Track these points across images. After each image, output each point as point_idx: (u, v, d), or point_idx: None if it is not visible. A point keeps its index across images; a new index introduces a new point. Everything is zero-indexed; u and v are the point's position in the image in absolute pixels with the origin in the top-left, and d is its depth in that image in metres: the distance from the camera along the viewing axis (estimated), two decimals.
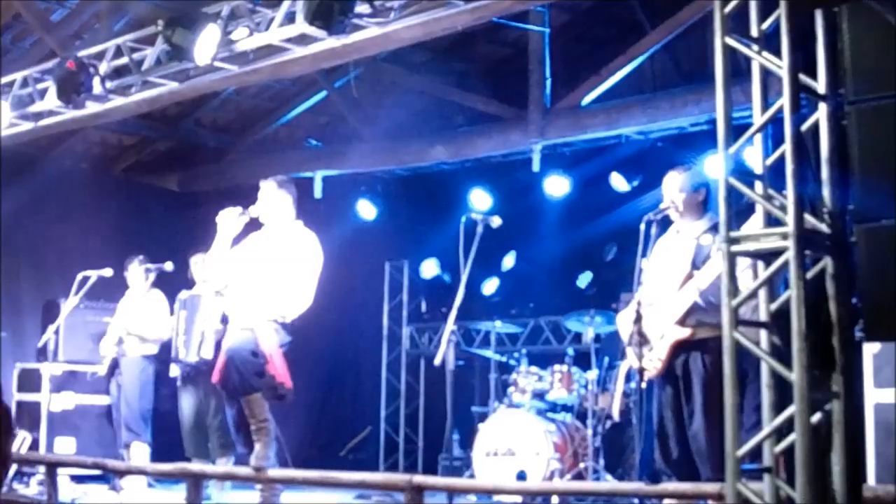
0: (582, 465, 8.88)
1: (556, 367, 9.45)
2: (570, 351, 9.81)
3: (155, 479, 9.39)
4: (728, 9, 4.31)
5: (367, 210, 12.92)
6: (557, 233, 11.78)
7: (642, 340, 5.94)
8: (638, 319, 5.94)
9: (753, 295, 4.25)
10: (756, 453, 4.16)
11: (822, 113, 4.31)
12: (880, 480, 5.42)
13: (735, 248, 4.22)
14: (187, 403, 8.89)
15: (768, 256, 4.17)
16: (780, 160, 4.17)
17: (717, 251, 5.64)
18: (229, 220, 7.24)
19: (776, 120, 4.22)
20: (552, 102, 10.27)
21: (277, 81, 11.29)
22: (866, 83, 4.23)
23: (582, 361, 9.59)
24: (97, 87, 8.75)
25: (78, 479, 9.39)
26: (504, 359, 10.18)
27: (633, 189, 10.74)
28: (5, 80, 9.53)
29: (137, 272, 9.62)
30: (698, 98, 9.34)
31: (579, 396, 9.29)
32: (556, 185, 11.22)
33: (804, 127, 4.27)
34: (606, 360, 9.27)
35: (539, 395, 9.39)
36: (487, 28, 10.10)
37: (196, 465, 8.06)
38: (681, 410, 5.90)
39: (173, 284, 9.46)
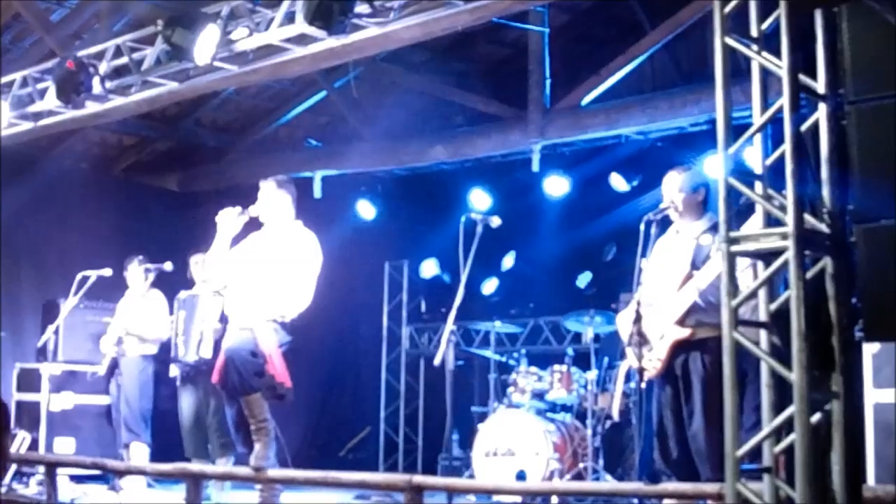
0: (581, 466, 8.88)
1: (556, 367, 9.45)
2: (570, 351, 9.81)
3: (154, 479, 9.39)
4: (728, 9, 4.31)
5: (366, 210, 12.92)
6: (557, 233, 11.78)
7: (642, 340, 5.94)
8: (637, 319, 5.94)
9: (753, 295, 4.25)
10: (756, 453, 4.16)
11: (821, 113, 4.31)
12: (880, 480, 5.42)
13: (735, 248, 4.22)
14: (187, 403, 8.89)
15: (768, 256, 4.17)
16: (780, 160, 4.17)
17: (716, 251, 5.64)
18: (229, 219, 7.24)
19: (776, 120, 4.22)
20: (552, 102, 10.26)
21: (277, 81, 11.29)
22: (866, 83, 4.23)
23: (581, 361, 9.59)
24: (97, 87, 8.75)
25: (77, 479, 9.39)
26: (504, 359, 10.18)
27: (632, 189, 10.75)
28: (5, 79, 9.53)
29: (137, 272, 9.62)
30: (698, 98, 9.34)
31: (579, 396, 9.30)
32: (556, 185, 11.22)
33: (804, 127, 4.27)
34: (606, 360, 9.27)
35: (538, 395, 9.40)
36: (487, 28, 10.10)
37: (195, 465, 8.06)
38: (680, 410, 5.89)
39: (173, 284, 9.46)
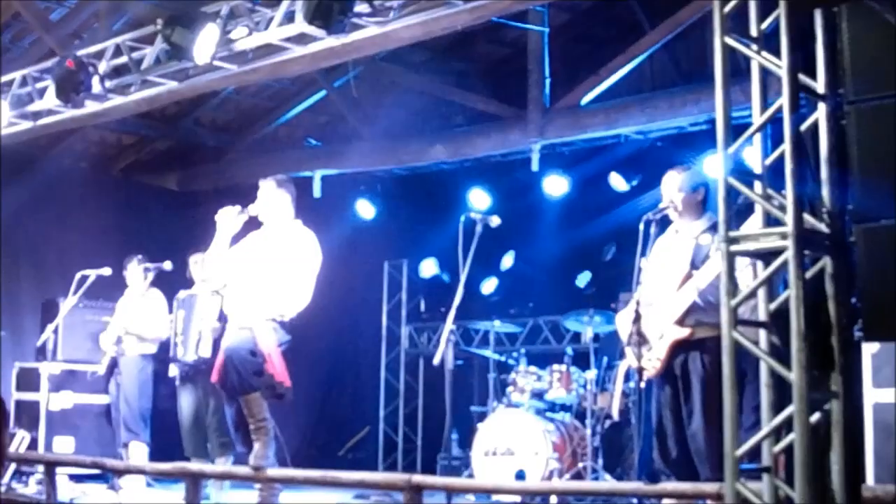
0: (581, 465, 8.88)
1: (555, 366, 9.46)
2: (569, 350, 9.82)
3: (154, 479, 9.40)
4: (727, 8, 4.31)
5: (366, 209, 12.92)
6: (556, 232, 11.78)
7: (641, 340, 5.94)
8: (637, 319, 5.94)
9: (752, 295, 4.25)
10: (755, 453, 4.16)
11: (821, 113, 4.30)
12: (879, 480, 5.42)
13: (734, 247, 4.22)
14: (186, 403, 8.88)
15: (767, 256, 4.17)
16: (780, 160, 4.17)
17: (716, 251, 5.63)
18: (228, 219, 7.24)
19: (775, 120, 4.22)
20: (551, 102, 10.27)
21: (277, 81, 11.29)
22: (866, 83, 4.22)
23: (581, 361, 9.59)
24: (96, 87, 8.75)
25: (77, 479, 9.40)
26: (503, 358, 10.18)
27: (632, 189, 10.75)
28: (4, 79, 9.53)
29: (136, 271, 9.61)
30: (697, 98, 9.34)
31: (578, 396, 9.30)
32: (556, 185, 11.22)
33: (803, 127, 4.27)
34: (605, 359, 9.27)
35: (538, 395, 9.40)
36: (487, 28, 10.10)
37: (195, 465, 8.06)
38: (680, 410, 5.89)
39: (172, 284, 9.45)
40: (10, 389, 10.49)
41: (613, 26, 11.16)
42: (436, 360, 7.12)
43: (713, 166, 7.86)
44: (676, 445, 5.88)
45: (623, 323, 6.27)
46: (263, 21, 7.66)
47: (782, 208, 4.10)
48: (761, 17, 4.32)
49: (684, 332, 5.90)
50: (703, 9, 8.62)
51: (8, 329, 10.89)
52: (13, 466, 9.10)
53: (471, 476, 9.06)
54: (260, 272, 7.07)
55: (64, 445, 10.08)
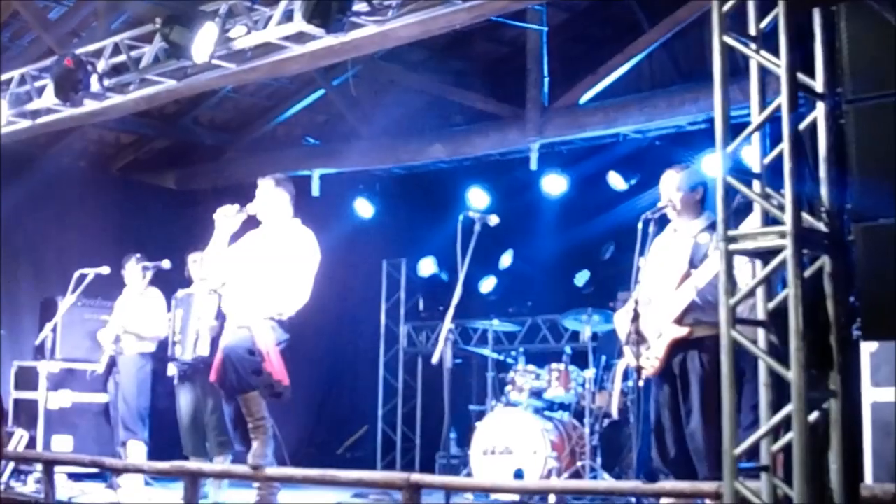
0: (579, 464, 8.89)
1: (554, 365, 9.46)
2: (568, 349, 9.82)
3: (152, 478, 9.39)
4: (726, 7, 4.31)
5: (364, 208, 12.93)
6: (555, 231, 11.78)
7: (640, 339, 5.93)
8: (635, 318, 5.93)
9: (751, 294, 4.25)
10: (753, 452, 4.16)
11: (819, 112, 4.31)
12: (877, 479, 5.43)
13: (733, 246, 4.22)
14: (185, 401, 8.88)
15: (766, 255, 4.17)
16: (778, 159, 4.17)
17: (714, 250, 5.63)
18: (227, 218, 7.24)
19: (774, 119, 4.22)
20: (550, 101, 10.26)
21: (275, 79, 11.29)
22: (864, 82, 4.22)
23: (579, 360, 9.60)
24: (95, 85, 8.75)
25: (75, 477, 9.40)
26: (501, 357, 10.19)
27: (630, 188, 10.76)
28: (3, 77, 9.53)
29: (135, 270, 9.61)
30: (696, 97, 9.34)
31: (577, 395, 9.31)
32: (554, 184, 11.23)
33: (802, 126, 4.27)
34: (604, 358, 9.27)
35: (536, 394, 9.41)
36: (485, 27, 10.10)
37: (193, 464, 8.05)
38: (678, 409, 5.89)
39: (171, 282, 9.46)
40: (8, 388, 10.49)
41: (612, 25, 11.16)
42: (434, 359, 7.13)
43: (712, 165, 7.86)
44: (675, 444, 5.87)
45: (621, 322, 6.26)
46: (262, 20, 7.66)
47: (781, 207, 4.10)
48: (760, 16, 4.32)
49: (683, 331, 5.90)
50: (702, 8, 8.62)
51: (6, 328, 10.90)
52: (12, 465, 9.10)
53: (469, 475, 9.07)
54: (258, 271, 7.07)
55: (62, 444, 10.09)
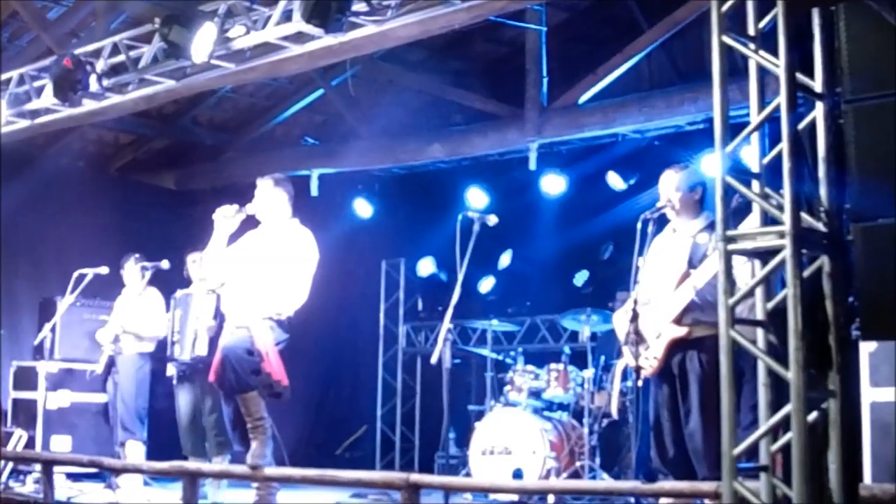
0: (578, 464, 8.89)
1: (553, 365, 9.46)
2: (567, 349, 9.82)
3: (151, 478, 9.39)
4: (725, 7, 4.31)
5: (363, 208, 12.93)
6: (554, 231, 11.78)
7: (639, 339, 5.93)
8: (634, 318, 5.93)
9: (750, 293, 4.25)
10: (752, 452, 4.16)
11: (818, 112, 4.31)
12: (876, 479, 5.42)
13: (732, 246, 4.22)
14: (184, 401, 8.88)
15: (765, 255, 4.17)
16: (777, 159, 4.17)
17: (713, 250, 5.63)
18: (226, 218, 7.24)
19: (773, 119, 4.22)
20: (549, 101, 10.26)
21: (274, 79, 11.28)
22: (863, 82, 4.22)
23: (578, 360, 9.60)
24: (94, 85, 8.74)
25: (74, 477, 9.40)
26: (500, 357, 10.19)
27: (629, 188, 10.76)
28: (2, 77, 9.52)
29: (134, 270, 9.61)
30: (695, 97, 9.34)
31: (575, 395, 9.31)
32: (553, 184, 11.22)
33: (801, 126, 4.27)
34: (603, 358, 9.27)
35: (535, 394, 9.40)
36: (484, 27, 10.10)
37: (192, 464, 8.05)
38: (677, 409, 5.89)
39: (170, 283, 9.45)
40: (7, 388, 10.50)
41: (611, 25, 11.15)
42: (433, 359, 7.12)
43: (711, 165, 7.87)
44: (674, 444, 5.88)
45: (620, 322, 6.26)
46: (261, 20, 7.65)
47: (780, 207, 4.10)
48: (759, 16, 4.32)
49: (682, 331, 5.90)
50: (701, 8, 8.63)
51: (5, 328, 10.89)
52: (10, 465, 9.10)
53: (468, 475, 9.07)
54: (257, 271, 7.07)
55: (61, 444, 10.08)
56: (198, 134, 12.81)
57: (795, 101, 4.17)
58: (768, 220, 4.20)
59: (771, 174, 4.23)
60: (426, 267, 12.92)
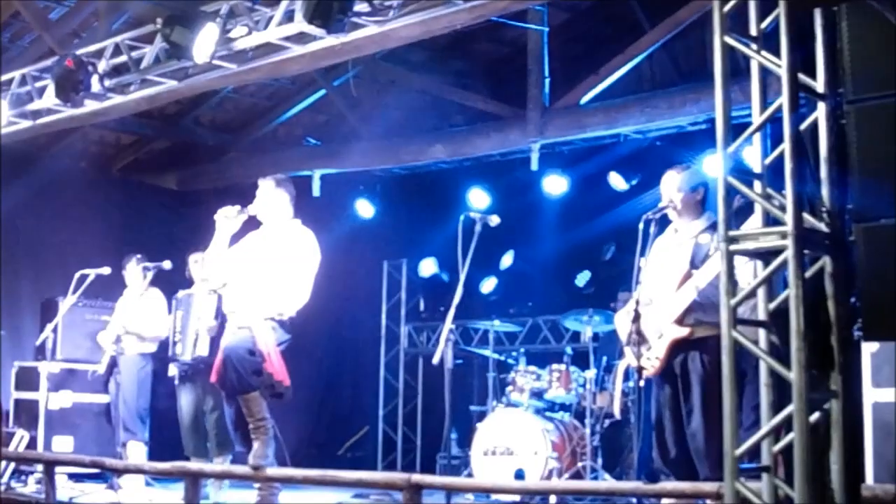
0: (580, 465, 8.88)
1: (555, 366, 9.46)
2: (569, 350, 9.83)
3: (153, 478, 9.39)
4: (727, 8, 4.31)
5: (365, 209, 12.93)
6: (556, 232, 11.78)
7: (641, 339, 5.94)
8: (636, 318, 5.93)
9: (752, 294, 4.24)
10: (754, 452, 4.16)
11: (821, 112, 4.30)
12: (878, 480, 5.42)
13: (734, 247, 4.22)
14: (185, 402, 8.89)
15: (767, 256, 4.17)
16: (779, 159, 4.17)
17: (715, 250, 5.63)
18: (227, 218, 7.24)
19: (775, 119, 4.22)
20: (551, 101, 10.26)
21: (276, 80, 11.28)
22: (865, 82, 4.22)
23: (580, 360, 9.60)
24: (96, 86, 8.74)
25: (76, 478, 9.40)
26: (502, 358, 10.19)
27: (631, 188, 10.75)
28: (4, 78, 9.52)
29: (135, 271, 9.61)
30: (697, 97, 9.33)
31: (577, 395, 9.31)
32: (555, 184, 11.23)
33: (803, 126, 4.27)
34: (605, 359, 9.27)
35: (537, 394, 9.40)
36: (486, 27, 10.09)
37: (194, 464, 8.06)
38: (679, 409, 5.89)
39: (172, 283, 9.46)
40: (9, 388, 10.50)
41: (613, 26, 11.15)
42: (435, 360, 7.12)
43: (713, 166, 7.87)
44: (676, 445, 5.88)
45: (622, 322, 6.27)
46: (263, 20, 7.65)
47: (782, 208, 4.10)
48: (761, 16, 4.31)
49: (684, 332, 5.90)
50: (703, 8, 8.61)
51: (7, 328, 10.89)
52: (12, 465, 9.10)
53: (470, 475, 9.06)
54: (259, 271, 7.07)
55: (63, 445, 10.09)
56: (199, 134, 12.80)
57: (797, 101, 4.17)
58: (770, 220, 4.20)
59: (773, 175, 4.23)
60: (428, 267, 12.93)
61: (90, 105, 9.18)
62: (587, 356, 9.44)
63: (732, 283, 4.20)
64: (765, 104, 4.29)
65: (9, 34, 10.50)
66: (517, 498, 8.45)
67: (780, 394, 4.10)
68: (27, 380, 10.36)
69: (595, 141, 10.71)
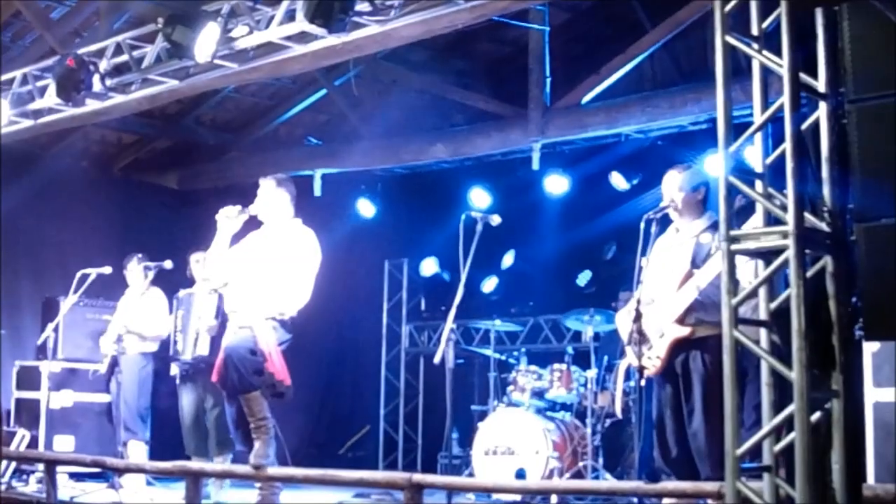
0: (581, 464, 8.89)
1: (556, 365, 9.46)
2: (570, 349, 9.83)
3: (154, 477, 9.39)
4: (728, 7, 4.31)
5: (366, 208, 12.93)
6: (557, 231, 11.78)
7: (642, 339, 5.94)
8: (637, 318, 5.93)
9: (753, 293, 4.24)
10: (756, 452, 4.16)
11: (822, 112, 4.30)
12: (879, 479, 5.43)
13: (735, 246, 4.22)
14: (187, 401, 8.89)
15: (768, 255, 4.17)
16: (781, 159, 4.17)
17: (716, 250, 5.63)
18: (228, 218, 7.24)
19: (776, 119, 4.22)
20: (552, 101, 10.26)
21: (277, 79, 11.27)
22: (867, 82, 4.22)
23: (581, 360, 9.60)
24: (97, 85, 8.74)
25: (77, 477, 9.40)
26: (503, 357, 10.19)
27: (632, 188, 10.75)
28: (5, 77, 9.52)
29: (137, 270, 9.61)
30: (698, 97, 9.33)
31: (578, 395, 9.31)
32: (556, 184, 11.22)
33: (804, 126, 4.27)
34: (606, 358, 9.27)
35: (538, 394, 9.40)
36: (487, 26, 10.07)
37: (195, 464, 8.06)
38: (680, 409, 5.89)
39: (173, 283, 9.46)
40: (10, 388, 10.50)
41: (614, 25, 11.14)
42: (436, 359, 7.11)
43: (714, 165, 7.87)
44: (677, 444, 5.88)
45: (623, 322, 6.27)
46: (264, 20, 7.65)
47: (783, 207, 4.10)
48: (762, 15, 4.31)
49: (685, 331, 5.90)
50: (704, 8, 8.61)
51: (8, 327, 10.89)
52: (13, 465, 9.10)
53: (471, 475, 9.07)
54: (260, 271, 7.07)
55: (64, 444, 10.09)
56: (201, 134, 12.80)
57: (799, 101, 4.17)
58: (771, 220, 4.20)
59: (774, 174, 4.23)
60: (429, 267, 12.93)
61: (91, 104, 9.18)
62: (588, 356, 9.44)
63: (734, 283, 4.21)
64: (766, 104, 4.29)
65: (10, 34, 10.51)
66: (518, 497, 8.46)
67: (781, 393, 4.10)
68: (28, 379, 10.37)
69: (596, 140, 10.70)
